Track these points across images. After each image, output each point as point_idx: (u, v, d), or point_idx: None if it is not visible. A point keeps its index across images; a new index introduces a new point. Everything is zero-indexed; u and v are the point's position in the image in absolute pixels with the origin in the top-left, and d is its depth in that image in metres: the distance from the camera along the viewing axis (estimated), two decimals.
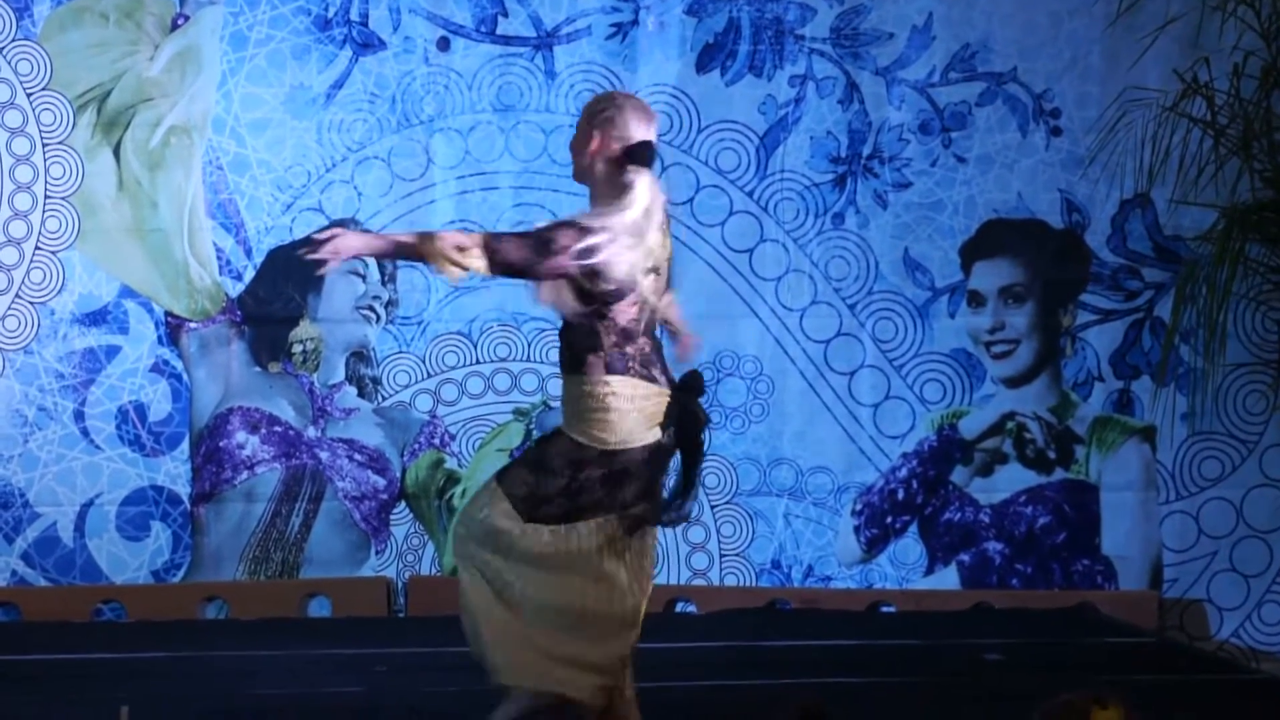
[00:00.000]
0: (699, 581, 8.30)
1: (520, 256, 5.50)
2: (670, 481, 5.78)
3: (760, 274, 8.30)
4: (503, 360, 8.30)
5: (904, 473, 8.33)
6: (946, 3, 8.26)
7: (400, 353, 8.27)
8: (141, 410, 8.16)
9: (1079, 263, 8.34)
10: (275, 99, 8.18)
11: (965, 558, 8.32)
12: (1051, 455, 8.33)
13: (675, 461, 5.73)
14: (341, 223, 8.16)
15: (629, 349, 5.62)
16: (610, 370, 5.60)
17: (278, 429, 8.22)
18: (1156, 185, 8.16)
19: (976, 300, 8.35)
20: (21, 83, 8.08)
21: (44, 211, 8.11)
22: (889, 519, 8.33)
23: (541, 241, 5.50)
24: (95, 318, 8.15)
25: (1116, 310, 8.36)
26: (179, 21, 8.12)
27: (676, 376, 5.69)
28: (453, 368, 8.29)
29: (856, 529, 8.33)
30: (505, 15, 8.22)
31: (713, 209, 8.30)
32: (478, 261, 5.49)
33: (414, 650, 6.66)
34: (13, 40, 8.07)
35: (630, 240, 5.51)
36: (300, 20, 8.17)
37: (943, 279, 8.34)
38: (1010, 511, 8.33)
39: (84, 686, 6.63)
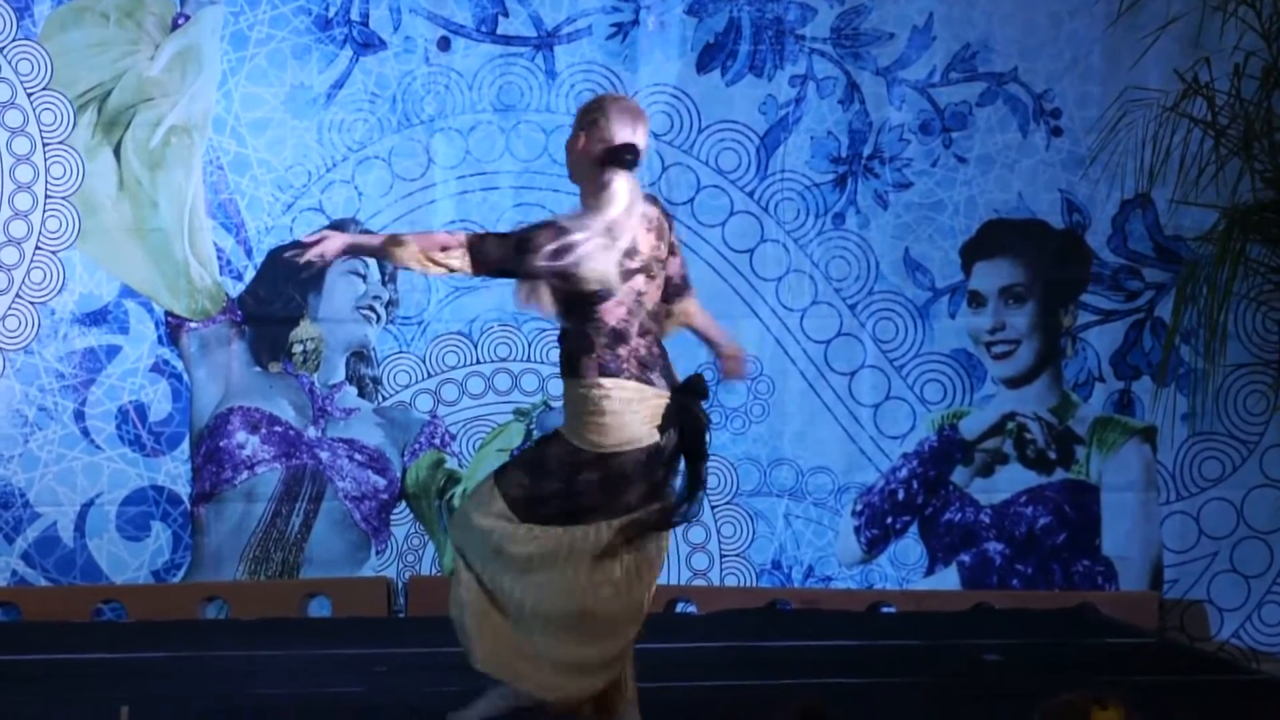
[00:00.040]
0: (699, 582, 8.30)
1: (499, 255, 5.56)
2: (675, 483, 5.79)
3: (761, 274, 8.30)
4: (503, 360, 8.30)
5: (904, 473, 8.33)
6: (947, 3, 8.26)
7: (401, 353, 8.27)
8: (142, 410, 8.16)
9: (1079, 263, 8.34)
10: (276, 99, 8.18)
11: (966, 558, 8.32)
12: (1052, 456, 8.33)
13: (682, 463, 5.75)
14: (342, 222, 8.16)
15: (622, 350, 5.63)
16: (604, 372, 5.61)
17: (278, 429, 8.22)
18: (1157, 185, 8.15)
19: (977, 300, 8.34)
20: (22, 82, 8.08)
21: (44, 211, 8.11)
22: (889, 519, 8.33)
23: (519, 241, 5.56)
24: (95, 317, 8.15)
25: (1117, 310, 8.36)
26: (179, 21, 8.12)
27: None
28: (453, 368, 8.29)
29: (857, 529, 8.33)
30: (506, 15, 8.22)
31: (713, 209, 8.30)
32: (457, 261, 5.55)
33: (414, 650, 6.66)
34: (13, 40, 8.07)
35: (604, 240, 5.52)
36: (301, 20, 8.17)
37: (943, 279, 8.34)
38: (1011, 512, 8.33)
39: (84, 686, 6.63)
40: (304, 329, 8.23)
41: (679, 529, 7.69)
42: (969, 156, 8.31)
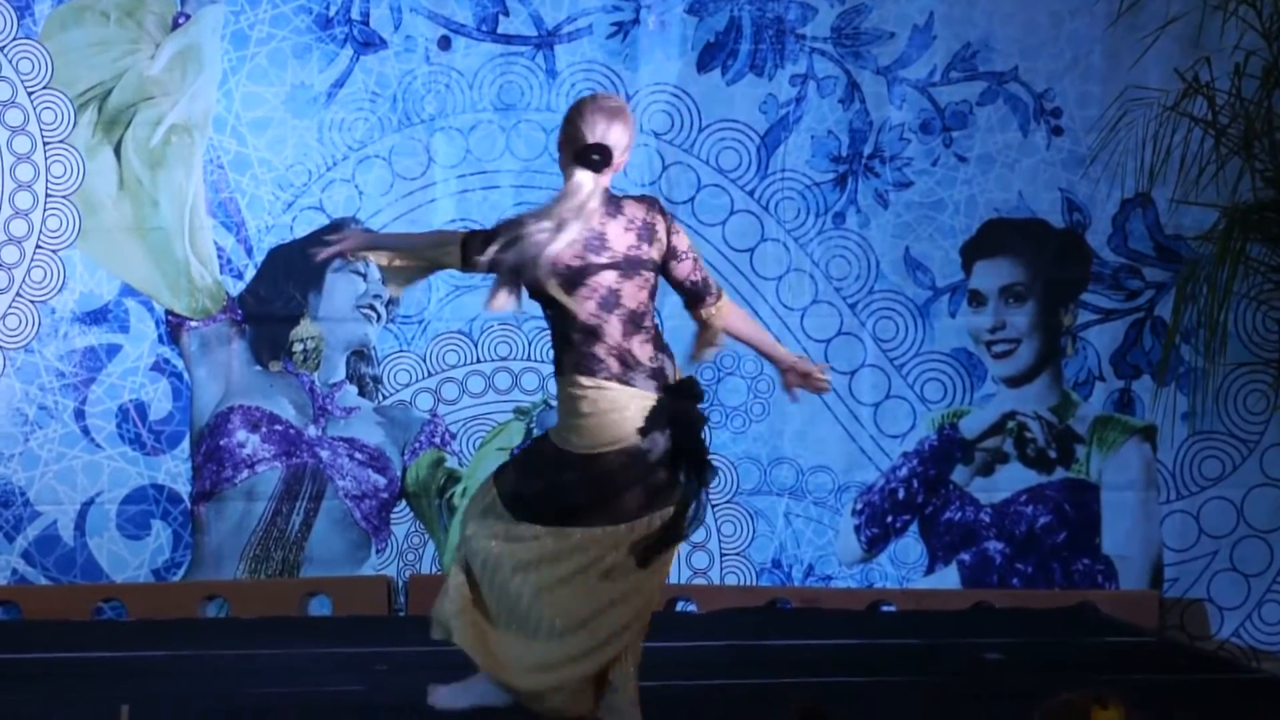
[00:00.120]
0: (699, 581, 8.30)
1: (473, 248, 5.63)
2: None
3: (761, 273, 8.30)
4: (503, 359, 8.30)
5: (904, 472, 8.33)
6: (947, 2, 8.26)
7: (401, 351, 8.27)
8: (142, 409, 8.16)
9: (1080, 262, 8.34)
10: (276, 98, 8.18)
11: (966, 557, 8.32)
12: (1052, 455, 8.33)
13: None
14: (342, 222, 8.17)
15: (599, 349, 5.64)
16: (580, 371, 5.65)
17: (278, 428, 8.22)
18: (1157, 185, 8.15)
19: (977, 300, 8.34)
20: (22, 81, 8.08)
21: (45, 210, 8.11)
22: (889, 518, 8.33)
23: (484, 234, 5.65)
24: (96, 316, 8.15)
25: (1117, 310, 8.36)
26: (180, 20, 8.12)
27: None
28: (453, 366, 8.29)
29: (857, 528, 8.33)
30: (506, 14, 8.22)
31: (714, 208, 8.30)
32: (451, 259, 5.66)
33: (414, 649, 6.64)
34: (13, 39, 8.07)
35: (548, 232, 5.55)
36: (301, 19, 8.17)
37: (943, 278, 8.34)
38: (1011, 511, 8.33)
39: (84, 685, 6.63)
40: (304, 328, 8.23)
41: None
42: (969, 156, 8.31)
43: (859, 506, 8.33)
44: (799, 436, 8.32)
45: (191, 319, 8.18)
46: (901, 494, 8.33)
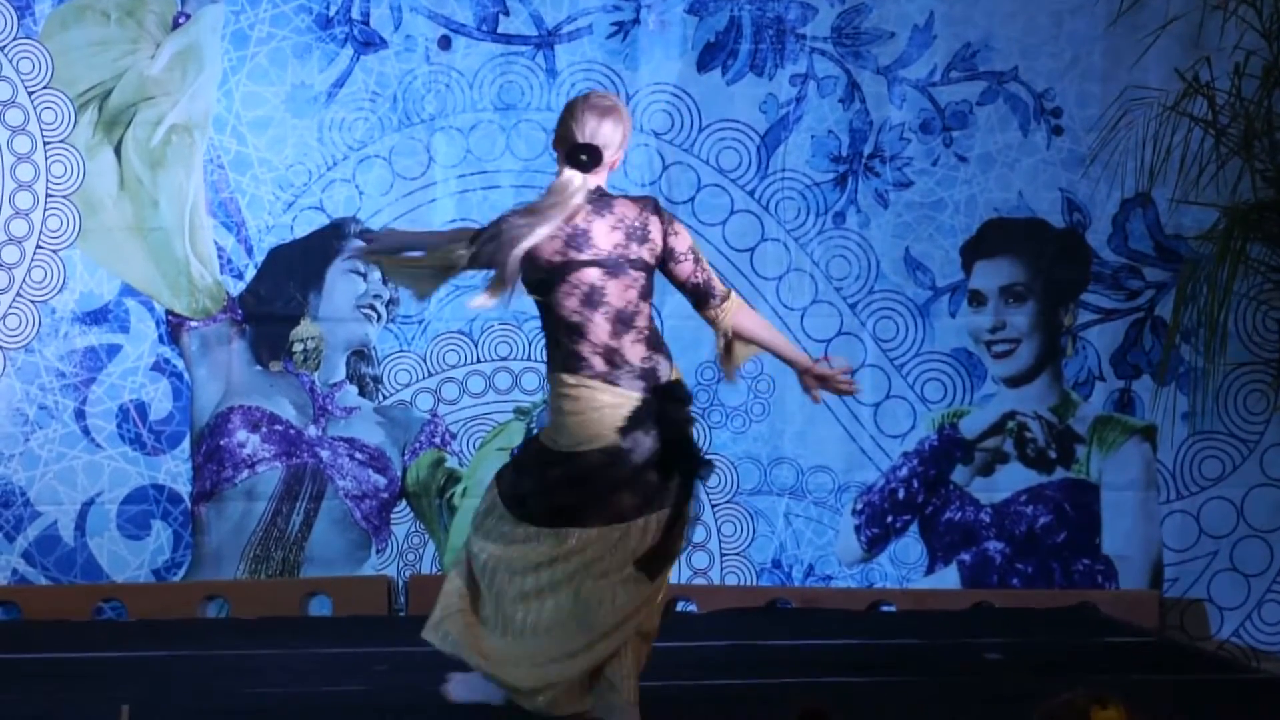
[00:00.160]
0: (699, 581, 8.30)
1: (475, 245, 5.67)
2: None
3: (761, 273, 8.30)
4: (504, 359, 8.31)
5: (904, 472, 8.33)
6: (947, 2, 8.26)
7: (401, 351, 8.27)
8: (142, 409, 8.16)
9: (1080, 262, 8.34)
10: (276, 97, 8.18)
11: (966, 557, 8.32)
12: (1052, 455, 8.33)
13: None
14: (342, 222, 8.17)
15: (583, 347, 5.65)
16: (565, 369, 5.68)
17: (278, 428, 8.22)
18: (1157, 185, 8.15)
19: (977, 299, 8.34)
20: (23, 81, 8.08)
21: (45, 210, 8.12)
22: (889, 518, 8.33)
23: (479, 230, 5.73)
24: (96, 316, 8.15)
25: (1117, 310, 8.36)
26: (180, 20, 8.12)
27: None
28: (454, 366, 8.29)
29: (857, 528, 8.33)
30: (506, 14, 8.22)
31: (714, 208, 8.30)
32: (461, 259, 5.69)
33: (414, 649, 6.64)
34: (14, 39, 8.07)
35: (524, 227, 5.56)
36: (301, 19, 8.17)
37: (944, 278, 8.34)
38: (1011, 511, 8.33)
39: (84, 685, 6.63)
40: (304, 328, 8.23)
41: None
42: (969, 155, 8.31)
43: (859, 506, 8.33)
44: (799, 436, 8.32)
45: (192, 319, 8.18)
46: (901, 494, 8.33)
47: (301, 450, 8.21)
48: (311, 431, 8.22)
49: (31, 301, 8.13)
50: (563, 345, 5.69)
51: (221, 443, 8.18)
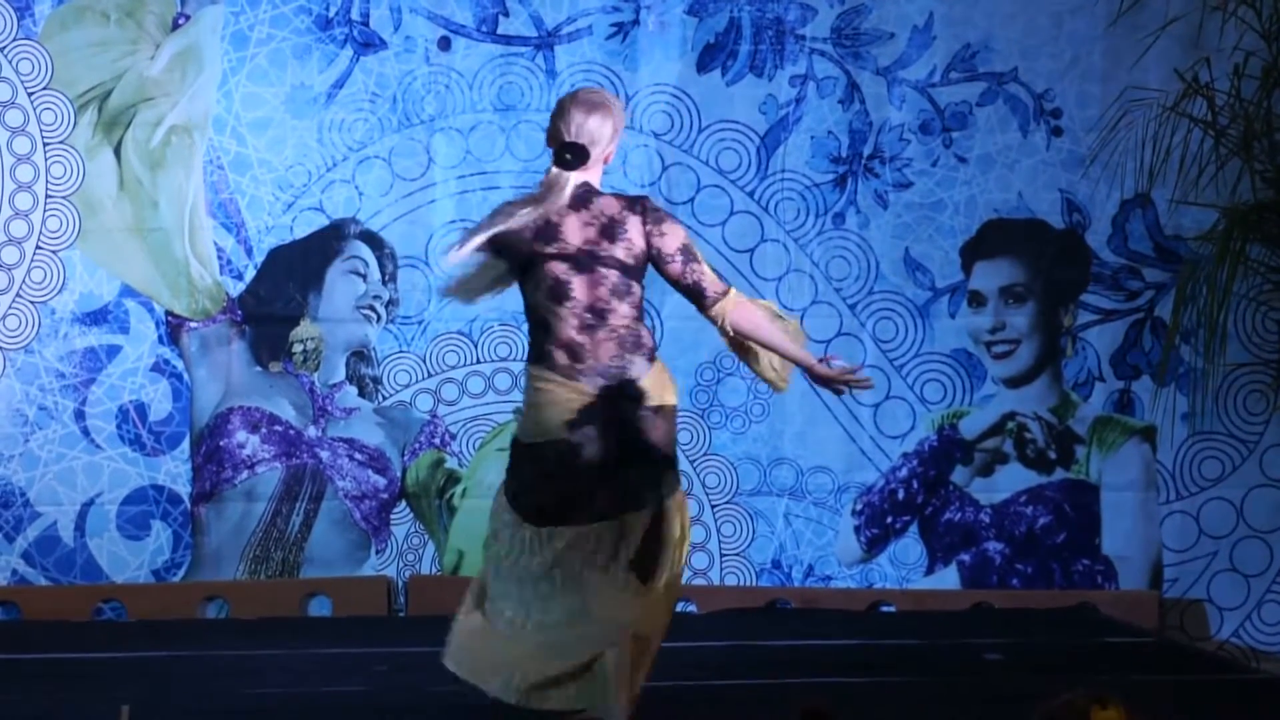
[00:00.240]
0: (699, 581, 8.30)
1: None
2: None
3: (761, 274, 8.30)
4: (503, 360, 8.30)
5: (904, 473, 8.33)
6: (947, 2, 8.26)
7: (401, 352, 8.27)
8: (142, 409, 8.16)
9: (1080, 263, 8.34)
10: (276, 98, 8.18)
11: (965, 558, 8.32)
12: (1052, 455, 8.33)
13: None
14: (342, 223, 8.18)
15: (547, 341, 5.66)
16: (531, 360, 5.71)
17: (278, 428, 8.22)
18: (1157, 185, 8.15)
19: (977, 300, 8.35)
20: (23, 82, 8.08)
21: (45, 211, 8.12)
22: (889, 519, 8.33)
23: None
24: (96, 317, 8.15)
25: (1117, 310, 8.36)
26: (180, 21, 8.12)
27: None
28: (453, 367, 8.30)
29: (857, 529, 8.33)
30: (506, 15, 8.23)
31: (713, 209, 8.30)
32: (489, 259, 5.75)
33: (414, 650, 6.65)
34: (14, 39, 8.07)
35: (499, 221, 5.59)
36: (301, 20, 8.17)
37: (943, 279, 8.34)
38: (1010, 511, 8.33)
39: (84, 685, 6.63)
40: (304, 328, 8.23)
41: None
42: (969, 156, 8.31)
43: (859, 507, 8.33)
44: (799, 437, 8.32)
45: (191, 319, 8.18)
46: (901, 494, 8.33)
47: (301, 451, 8.21)
48: (311, 432, 8.22)
49: (31, 302, 8.13)
50: (534, 337, 5.73)
51: (221, 443, 8.18)
